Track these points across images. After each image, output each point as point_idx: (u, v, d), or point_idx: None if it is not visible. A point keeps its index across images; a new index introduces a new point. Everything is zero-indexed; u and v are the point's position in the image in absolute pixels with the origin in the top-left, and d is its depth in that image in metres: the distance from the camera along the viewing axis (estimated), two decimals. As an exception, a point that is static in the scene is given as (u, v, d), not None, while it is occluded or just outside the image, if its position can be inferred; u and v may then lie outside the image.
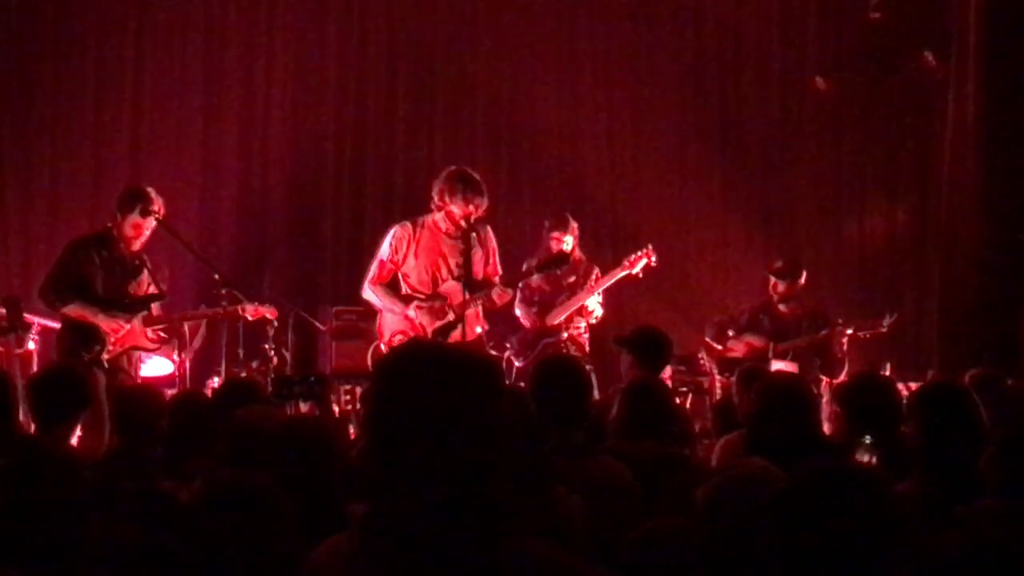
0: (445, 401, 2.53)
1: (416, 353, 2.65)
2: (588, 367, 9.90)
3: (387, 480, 2.55)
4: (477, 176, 9.12)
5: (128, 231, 9.02)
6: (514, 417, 2.71)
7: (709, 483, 3.75)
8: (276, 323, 10.12)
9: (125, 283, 9.10)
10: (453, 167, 9.32)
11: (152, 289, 9.19)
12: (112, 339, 8.89)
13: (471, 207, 8.94)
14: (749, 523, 3.50)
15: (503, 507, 2.55)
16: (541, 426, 4.78)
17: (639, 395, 6.04)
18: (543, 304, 10.48)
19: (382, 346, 9.23)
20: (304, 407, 6.31)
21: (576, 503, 4.37)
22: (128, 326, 8.94)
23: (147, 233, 9.10)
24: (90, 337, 8.82)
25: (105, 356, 8.85)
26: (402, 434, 2.54)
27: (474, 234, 9.01)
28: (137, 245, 9.10)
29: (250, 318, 9.44)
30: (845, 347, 10.64)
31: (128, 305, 9.03)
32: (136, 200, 9.03)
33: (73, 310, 8.85)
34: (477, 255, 9.10)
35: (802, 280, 11.01)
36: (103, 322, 8.86)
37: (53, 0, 12.02)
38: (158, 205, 9.06)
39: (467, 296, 8.94)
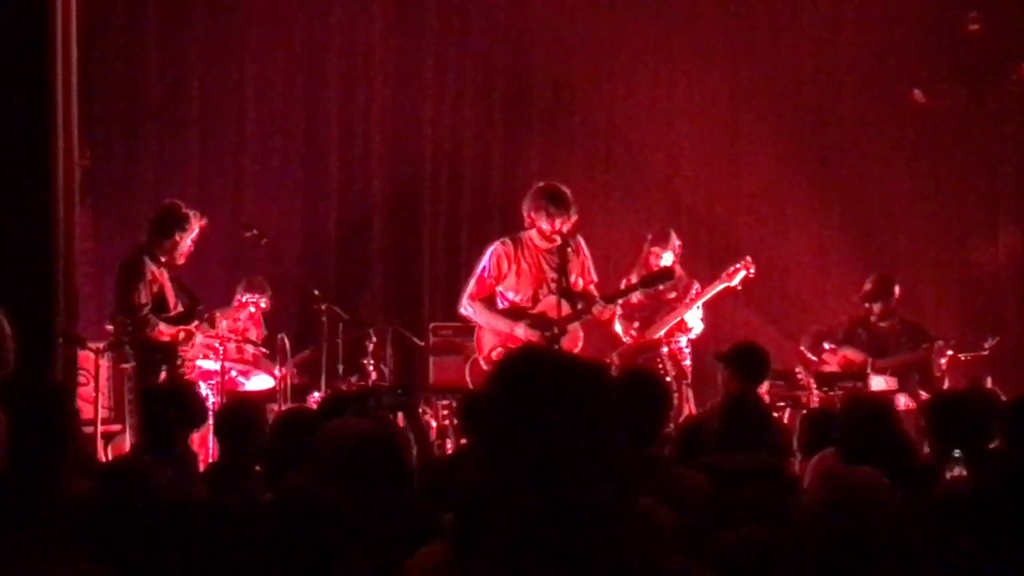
0: (558, 406, 2.51)
1: (530, 358, 2.63)
2: (686, 382, 10.16)
3: (497, 486, 2.53)
4: (564, 190, 9.15)
5: (185, 247, 9.22)
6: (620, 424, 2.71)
7: (820, 491, 3.77)
8: (375, 339, 10.31)
9: (179, 297, 9.29)
10: (540, 183, 9.39)
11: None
12: (190, 353, 9.11)
13: (557, 222, 9.00)
14: (864, 531, 3.52)
15: (610, 512, 2.53)
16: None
17: (737, 408, 6.15)
18: (643, 319, 10.50)
19: (480, 361, 9.31)
20: (402, 420, 6.39)
21: (666, 513, 4.39)
22: (198, 336, 9.24)
23: None
24: (168, 355, 8.99)
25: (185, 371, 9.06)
26: (514, 439, 2.52)
27: (568, 247, 9.08)
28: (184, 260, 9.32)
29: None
30: (944, 365, 10.54)
31: (184, 317, 9.23)
32: (189, 219, 9.27)
33: (156, 332, 9.01)
34: (573, 268, 9.15)
35: (895, 294, 10.99)
36: (174, 337, 9.05)
37: (158, 27, 12.16)
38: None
39: (568, 311, 8.99)
